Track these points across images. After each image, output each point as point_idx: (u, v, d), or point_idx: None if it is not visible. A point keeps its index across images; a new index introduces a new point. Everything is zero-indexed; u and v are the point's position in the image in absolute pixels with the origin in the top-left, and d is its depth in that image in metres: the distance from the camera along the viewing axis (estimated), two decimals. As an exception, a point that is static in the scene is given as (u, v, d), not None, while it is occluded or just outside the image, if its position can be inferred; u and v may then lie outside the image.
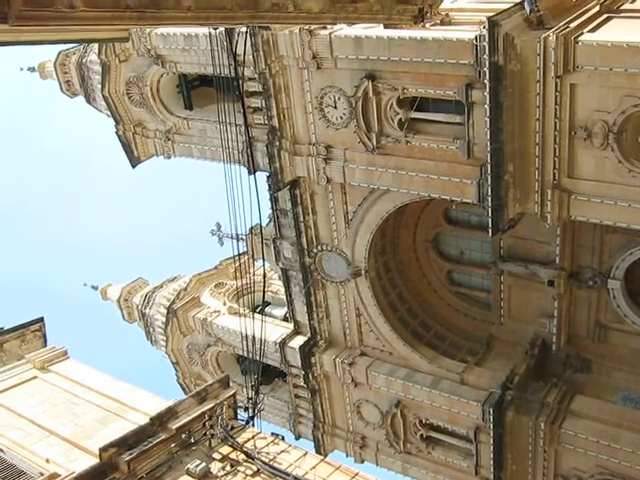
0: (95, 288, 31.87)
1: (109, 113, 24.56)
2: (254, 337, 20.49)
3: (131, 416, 11.97)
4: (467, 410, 20.96)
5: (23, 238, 72.61)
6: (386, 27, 17.72)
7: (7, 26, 4.19)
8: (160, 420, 10.95)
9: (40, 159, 74.80)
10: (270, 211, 23.19)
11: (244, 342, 21.69)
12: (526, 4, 15.67)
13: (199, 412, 11.20)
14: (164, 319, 27.83)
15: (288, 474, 10.41)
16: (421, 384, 21.83)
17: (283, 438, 11.48)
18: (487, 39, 15.96)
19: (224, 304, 27.41)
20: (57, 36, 6.17)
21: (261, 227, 23.68)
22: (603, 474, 19.24)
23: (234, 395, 11.79)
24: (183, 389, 28.98)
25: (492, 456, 20.74)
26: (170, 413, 11.15)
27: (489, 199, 17.54)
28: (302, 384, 24.76)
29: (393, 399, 22.63)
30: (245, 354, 25.52)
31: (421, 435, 22.67)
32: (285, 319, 26.10)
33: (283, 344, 24.30)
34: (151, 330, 29.09)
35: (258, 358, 19.45)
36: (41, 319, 14.59)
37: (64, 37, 6.35)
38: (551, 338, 21.59)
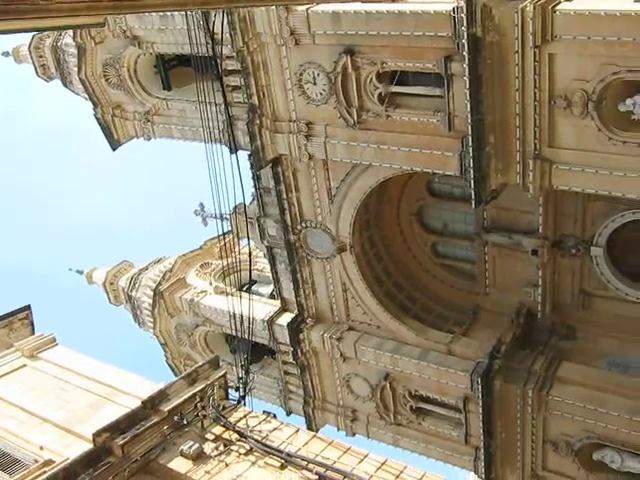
0: (80, 272, 31.80)
1: (87, 96, 24.32)
2: (242, 316, 20.56)
3: (122, 400, 12.03)
4: (455, 380, 21.18)
5: (5, 224, 72.04)
6: (363, 1, 17.62)
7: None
8: (152, 403, 11.01)
9: (18, 143, 74.03)
10: (253, 190, 23.15)
11: (232, 321, 21.77)
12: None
13: (190, 394, 11.28)
14: (151, 301, 27.81)
15: (281, 451, 10.53)
16: (409, 356, 22.00)
17: (275, 416, 11.59)
18: (465, 11, 15.93)
19: (210, 284, 27.42)
20: (32, 24, 6.09)
21: (245, 206, 23.67)
22: (590, 438, 19.53)
23: (224, 375, 11.87)
24: (172, 370, 29.07)
25: (481, 425, 20.98)
26: (161, 396, 11.21)
27: (471, 171, 17.58)
28: (291, 361, 24.92)
29: (382, 372, 22.81)
30: (234, 333, 25.69)
31: (411, 406, 22.89)
32: (272, 297, 26.17)
33: (271, 322, 24.39)
34: (138, 312, 29.08)
35: (247, 337, 19.52)
36: (28, 307, 14.57)
37: (39, 25, 6.26)
38: (536, 307, 21.79)
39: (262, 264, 28.33)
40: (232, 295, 25.95)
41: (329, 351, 23.53)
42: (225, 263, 28.91)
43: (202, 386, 11.43)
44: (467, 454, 22.34)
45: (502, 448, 21.22)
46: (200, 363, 11.97)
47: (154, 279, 28.15)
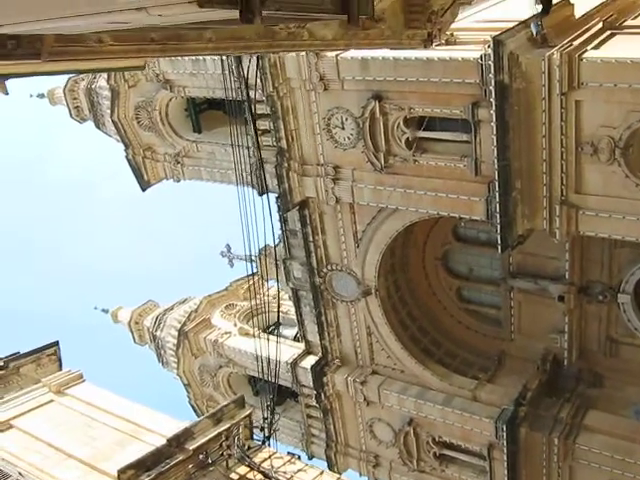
0: (106, 311, 32.04)
1: (118, 138, 24.83)
2: (268, 358, 20.59)
3: (147, 438, 12.07)
4: (480, 427, 20.95)
5: (35, 267, 73.05)
6: (391, 48, 17.94)
7: (40, 61, 4.39)
8: (177, 441, 11.05)
9: (48, 187, 75.51)
10: (280, 232, 23.34)
11: (258, 363, 21.80)
12: (532, 26, 15.88)
13: (215, 432, 11.30)
14: (175, 341, 27.93)
15: (305, 493, 10.49)
16: (433, 402, 21.83)
17: (299, 457, 11.56)
18: (492, 58, 16.17)
19: (235, 325, 27.50)
20: (77, 66, 6.35)
21: (272, 248, 23.89)
22: (618, 489, 19.20)
23: (250, 415, 11.89)
24: (195, 411, 29.02)
25: (506, 473, 20.68)
26: (187, 434, 11.25)
27: (497, 216, 17.66)
28: (314, 404, 24.80)
29: (405, 417, 22.63)
30: (258, 375, 25.67)
31: (434, 453, 22.64)
32: (296, 339, 26.18)
33: (295, 364, 24.36)
34: (162, 352, 29.18)
35: (272, 379, 19.50)
36: (56, 343, 14.74)
37: (83, 67, 6.54)
38: (562, 353, 21.59)
39: (287, 306, 28.39)
40: (257, 337, 26.09)
41: (352, 395, 23.41)
42: (250, 305, 29.06)
43: (227, 425, 11.45)
44: (491, 503, 21.96)
45: (527, 497, 20.87)
46: (226, 402, 12.00)
47: (179, 319, 28.30)
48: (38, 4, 3.40)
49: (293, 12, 3.79)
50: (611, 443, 19.26)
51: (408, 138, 18.81)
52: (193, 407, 29.06)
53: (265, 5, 3.56)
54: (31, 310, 65.53)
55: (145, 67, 6.87)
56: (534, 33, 15.97)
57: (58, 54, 4.53)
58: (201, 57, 21.12)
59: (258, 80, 19.01)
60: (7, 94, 6.12)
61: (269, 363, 20.62)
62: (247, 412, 11.85)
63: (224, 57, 18.56)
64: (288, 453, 11.65)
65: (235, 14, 3.52)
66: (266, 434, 12.20)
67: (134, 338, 30.98)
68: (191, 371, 28.36)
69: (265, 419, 13.63)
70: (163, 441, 11.57)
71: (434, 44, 7.02)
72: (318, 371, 23.73)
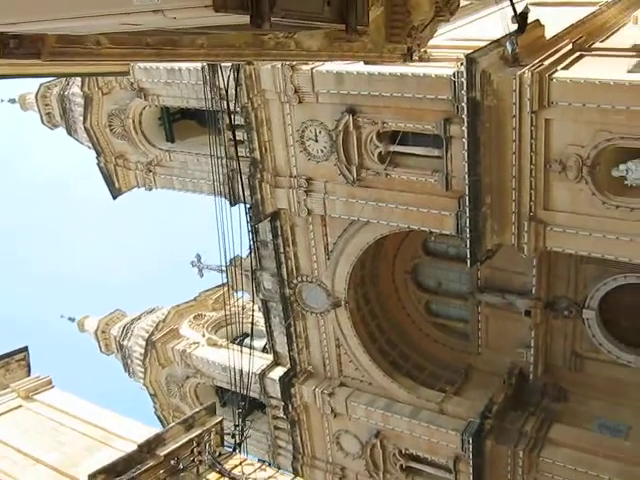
0: (72, 320, 31.80)
1: (90, 145, 24.75)
2: (236, 369, 20.58)
3: (117, 444, 11.99)
4: (446, 440, 21.14)
5: (3, 271, 72.09)
6: (366, 63, 18.18)
7: (39, 61, 4.47)
8: (148, 447, 11.00)
9: (16, 190, 74.71)
10: (251, 243, 23.40)
11: (226, 374, 21.74)
12: (508, 44, 16.22)
13: (187, 439, 11.27)
14: (142, 350, 27.78)
15: (276, 499, 10.53)
16: (400, 414, 21.99)
17: (270, 464, 11.60)
18: (465, 75, 16.49)
19: (203, 335, 27.46)
20: (61, 69, 6.43)
21: (241, 259, 23.94)
22: (581, 502, 19.48)
23: (221, 422, 11.89)
24: (161, 421, 28.84)
25: (471, 485, 20.89)
26: (158, 440, 11.20)
27: (467, 230, 17.93)
28: (281, 415, 24.82)
29: (373, 429, 22.76)
30: (225, 386, 25.64)
31: (401, 465, 22.78)
32: (264, 350, 26.19)
33: (263, 375, 24.37)
34: (129, 362, 28.99)
35: (241, 390, 19.51)
36: (25, 348, 14.57)
37: (67, 71, 6.62)
38: (528, 368, 21.93)
39: (256, 317, 28.41)
40: (226, 347, 26.06)
41: (320, 406, 23.48)
42: (219, 315, 29.04)
43: (199, 432, 11.44)
44: (456, 516, 22.12)
45: (492, 510, 21.06)
46: (197, 409, 12.00)
47: (147, 329, 28.17)
48: (57, 3, 3.49)
49: (297, 20, 3.95)
50: (575, 456, 19.58)
51: (381, 152, 19.04)
52: (159, 417, 28.89)
53: (273, 12, 3.70)
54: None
55: (129, 72, 6.94)
56: (509, 51, 16.32)
57: (58, 55, 4.61)
58: (176, 67, 21.19)
59: (233, 91, 19.11)
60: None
61: (238, 374, 20.60)
62: (218, 419, 11.86)
63: (202, 67, 18.66)
64: (259, 460, 11.70)
65: (246, 19, 3.66)
66: (237, 441, 12.26)
67: (100, 347, 30.76)
68: (158, 381, 28.22)
69: (237, 426, 13.66)
70: (133, 447, 11.49)
71: (413, 59, 7.22)
72: (286, 382, 23.77)
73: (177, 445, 11.19)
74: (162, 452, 11.05)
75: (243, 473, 10.97)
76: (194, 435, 11.38)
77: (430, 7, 6.73)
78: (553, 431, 20.41)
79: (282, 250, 22.21)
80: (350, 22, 4.30)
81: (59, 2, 3.53)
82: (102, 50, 4.76)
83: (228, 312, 27.56)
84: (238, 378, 21.06)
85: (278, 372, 24.18)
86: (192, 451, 11.18)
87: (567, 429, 20.50)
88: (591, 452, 19.52)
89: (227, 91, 16.30)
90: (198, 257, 28.54)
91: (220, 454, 11.46)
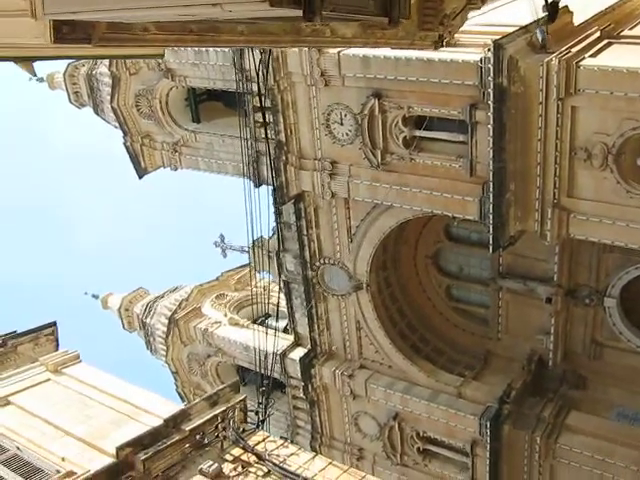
0: (96, 297, 32.21)
1: (117, 124, 25.01)
2: (258, 349, 20.88)
3: (143, 418, 12.32)
4: (464, 423, 21.31)
5: (31, 241, 73.19)
6: (393, 48, 18.23)
7: (90, 46, 4.66)
8: (174, 422, 11.32)
9: (46, 163, 75.63)
10: (274, 224, 23.61)
11: (250, 353, 22.05)
12: (538, 32, 16.22)
13: (211, 415, 11.58)
14: (165, 329, 28.17)
15: (298, 475, 10.78)
16: (419, 397, 22.17)
17: (292, 441, 11.86)
18: (492, 61, 16.51)
19: (225, 315, 27.76)
20: (101, 52, 6.61)
21: (264, 240, 24.15)
22: (597, 488, 19.61)
23: (244, 399, 12.18)
24: (182, 398, 29.25)
25: (488, 469, 21.06)
26: (183, 415, 11.52)
27: (490, 216, 17.99)
28: (301, 396, 25.10)
29: (391, 412, 22.97)
30: (246, 365, 25.99)
31: (418, 448, 22.98)
32: (285, 331, 26.45)
33: (283, 355, 24.64)
34: (151, 339, 29.40)
35: (265, 368, 19.80)
36: (54, 323, 14.97)
37: (109, 53, 6.80)
38: (548, 354, 21.99)
39: (277, 299, 28.66)
40: (249, 328, 26.41)
41: (339, 388, 23.71)
42: (240, 295, 29.35)
43: (223, 408, 11.73)
44: (472, 499, 22.35)
45: (508, 494, 21.27)
46: (221, 386, 12.29)
47: (169, 307, 28.53)
48: None
49: (344, 13, 4.11)
50: (592, 444, 19.65)
51: (406, 137, 19.11)
52: (180, 395, 29.30)
53: (324, 6, 3.87)
54: (28, 284, 65.79)
55: (164, 55, 7.15)
56: (539, 39, 16.32)
57: (107, 40, 4.79)
58: (204, 48, 21.33)
59: (261, 74, 19.24)
60: (35, 75, 6.36)
61: (260, 354, 20.89)
62: (242, 396, 12.14)
63: (232, 50, 18.79)
64: (280, 437, 11.97)
65: (299, 12, 3.82)
66: (260, 418, 12.52)
67: (123, 324, 31.17)
68: (179, 359, 28.60)
69: (260, 403, 13.94)
70: (158, 422, 11.82)
71: (445, 46, 7.35)
72: (306, 363, 24.03)
73: (202, 420, 11.51)
74: (187, 427, 11.37)
75: (266, 449, 11.25)
76: (219, 411, 11.69)
77: (463, -5, 6.85)
78: (571, 418, 20.50)
79: (305, 232, 22.40)
80: (393, 15, 4.46)
81: None
82: (148, 36, 4.94)
83: (251, 293, 27.91)
84: (260, 358, 21.38)
85: (299, 353, 24.44)
86: (216, 427, 11.49)
87: (585, 416, 20.58)
88: (609, 440, 19.59)
89: (258, 74, 16.45)
90: (222, 237, 28.83)
91: (244, 430, 11.76)
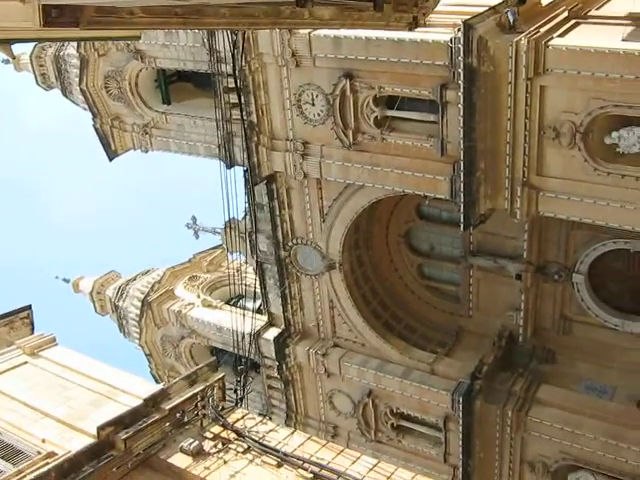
0: (67, 281, 32.05)
1: (86, 106, 24.78)
2: (233, 329, 21.01)
3: (122, 398, 12.41)
4: (437, 399, 21.69)
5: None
6: (379, 29, 18.32)
7: (77, 29, 4.71)
8: (154, 401, 11.44)
9: (17, 141, 74.60)
10: (246, 205, 23.65)
11: (224, 334, 22.17)
12: (509, 14, 16.45)
13: (190, 394, 11.72)
14: (138, 311, 28.15)
15: (277, 450, 10.98)
16: (392, 374, 22.48)
17: (270, 418, 12.05)
18: (462, 41, 16.67)
19: (198, 297, 27.81)
20: (78, 34, 6.64)
21: (237, 221, 24.19)
22: (567, 459, 20.10)
23: (223, 378, 12.33)
24: (156, 380, 29.27)
25: (461, 444, 21.47)
26: (163, 395, 11.64)
27: (461, 195, 18.24)
28: (275, 375, 25.29)
29: (365, 389, 23.27)
30: (220, 346, 26.11)
31: (392, 424, 23.33)
32: (259, 311, 26.57)
33: (257, 336, 24.79)
34: (124, 322, 29.37)
35: (241, 348, 19.95)
36: (29, 307, 14.94)
37: (84, 35, 6.83)
38: (518, 330, 22.41)
39: (250, 279, 28.77)
40: (220, 309, 26.48)
41: (314, 367, 23.94)
42: (213, 277, 29.39)
43: (202, 387, 11.88)
44: (446, 473, 22.77)
45: (480, 468, 21.69)
46: (200, 365, 12.43)
47: (142, 290, 28.50)
48: None
49: None
50: (562, 416, 20.12)
51: (377, 117, 19.25)
52: (154, 377, 29.34)
53: None
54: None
55: (140, 37, 7.20)
56: (511, 20, 16.55)
57: (94, 23, 4.84)
58: (174, 30, 21.21)
59: (233, 54, 19.22)
60: (14, 58, 6.38)
61: (235, 334, 21.03)
62: (220, 375, 12.29)
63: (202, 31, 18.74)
64: (259, 414, 12.15)
65: None
66: (239, 396, 12.67)
67: (95, 308, 31.08)
68: (153, 341, 28.63)
69: (238, 381, 14.10)
70: (137, 402, 11.93)
71: (418, 27, 7.48)
72: (281, 343, 24.21)
73: (181, 399, 11.65)
74: (167, 406, 11.51)
75: (245, 426, 11.42)
76: (198, 390, 11.84)
77: (436, -23, 6.98)
78: (541, 392, 20.95)
79: (278, 213, 22.50)
80: (378, 0, 4.59)
81: None
82: (134, 19, 5.00)
83: (225, 274, 27.99)
84: (234, 338, 21.51)
85: (272, 333, 24.59)
86: (196, 405, 11.64)
87: (555, 390, 21.05)
88: (578, 412, 20.08)
89: (233, 55, 16.45)
90: (194, 219, 28.80)
91: (223, 408, 11.91)
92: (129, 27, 5.20)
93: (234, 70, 17.73)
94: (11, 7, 4.24)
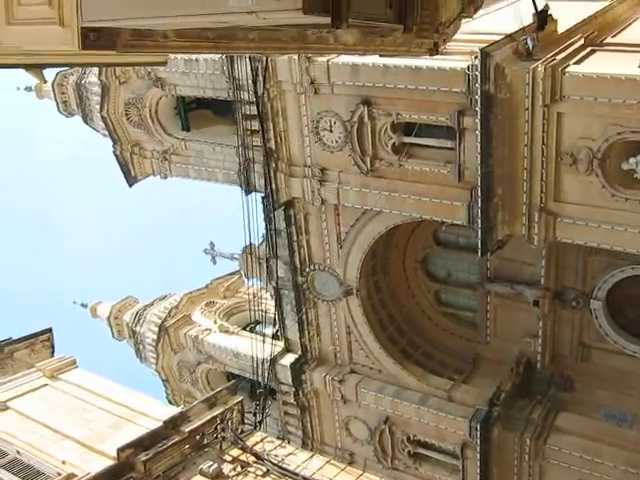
0: (85, 306, 32.25)
1: (107, 133, 25.13)
2: (251, 355, 21.04)
3: (141, 421, 12.48)
4: (454, 426, 21.56)
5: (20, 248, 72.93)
6: (381, 56, 18.53)
7: (113, 52, 4.88)
8: (173, 423, 11.49)
9: (37, 170, 75.59)
10: (264, 231, 23.79)
11: (240, 360, 22.18)
12: (529, 40, 16.61)
13: (210, 416, 11.76)
14: (155, 336, 28.26)
15: (297, 474, 10.97)
16: (409, 401, 22.41)
17: (289, 441, 12.06)
18: (479, 69, 16.83)
19: (215, 322, 27.89)
20: (107, 59, 6.83)
21: (254, 247, 24.34)
22: (586, 488, 19.91)
23: (242, 401, 12.37)
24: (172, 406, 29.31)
25: (478, 471, 21.30)
26: (182, 417, 11.70)
27: (479, 221, 18.29)
28: (292, 401, 25.25)
29: (382, 416, 23.18)
30: (236, 372, 26.13)
31: (408, 451, 23.20)
32: (276, 337, 26.60)
33: (274, 362, 24.79)
34: (141, 347, 29.47)
35: (258, 374, 19.97)
36: (49, 330, 15.09)
37: (112, 60, 7.01)
38: (536, 357, 22.31)
39: (267, 305, 28.84)
40: (237, 334, 26.54)
41: (330, 393, 23.90)
42: (230, 303, 29.51)
43: (221, 410, 11.91)
44: (463, 501, 22.57)
45: (498, 496, 21.51)
46: (219, 388, 12.48)
47: (159, 315, 28.64)
48: (160, 4, 3.87)
49: (365, 20, 4.37)
50: (581, 444, 19.97)
51: (395, 143, 19.40)
52: (170, 402, 29.31)
53: (349, 14, 4.13)
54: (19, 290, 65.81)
55: (167, 63, 7.35)
56: (530, 47, 16.71)
57: (130, 47, 5.01)
58: (194, 57, 21.56)
59: (253, 81, 19.50)
60: (45, 81, 6.56)
61: (253, 360, 21.05)
62: (239, 398, 12.33)
63: (220, 57, 19.03)
64: (278, 437, 12.16)
65: (327, 20, 4.07)
66: (258, 419, 12.69)
67: (113, 333, 31.23)
68: (170, 367, 28.69)
69: (257, 404, 14.13)
70: (157, 424, 11.99)
71: (439, 53, 7.60)
72: (297, 369, 24.20)
73: (201, 422, 11.69)
74: (187, 428, 11.55)
75: (264, 449, 11.43)
76: (217, 413, 11.87)
77: (457, 4, 7.12)
78: (560, 419, 20.80)
79: (295, 238, 22.62)
80: (407, 23, 4.74)
81: (164, 2, 3.90)
82: (168, 43, 5.16)
83: (240, 300, 28.09)
84: (253, 364, 21.53)
85: (289, 359, 24.60)
86: (215, 428, 11.67)
87: (573, 417, 20.88)
88: (597, 440, 19.91)
89: (255, 81, 16.69)
90: (212, 245, 28.99)
91: (242, 431, 11.94)
92: (162, 50, 5.35)
93: (256, 96, 17.96)
94: (51, 31, 4.41)
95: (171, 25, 4.65)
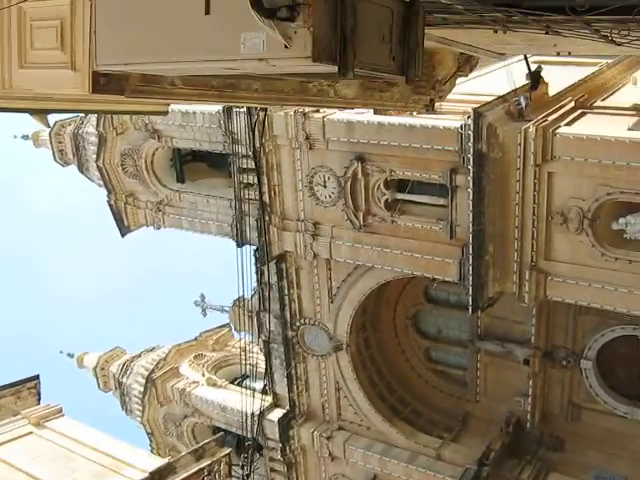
0: (71, 356, 31.90)
1: (102, 183, 25.30)
2: (240, 410, 20.83)
3: (127, 472, 12.27)
4: (443, 486, 21.27)
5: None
6: (376, 113, 18.90)
7: (122, 97, 5.01)
8: (160, 475, 11.31)
9: (28, 219, 75.68)
10: (255, 284, 23.79)
11: (227, 414, 21.91)
12: (522, 99, 17.00)
13: (197, 468, 11.60)
14: (142, 388, 27.93)
15: (284, 529, 10.79)
16: (398, 459, 22.14)
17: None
18: (472, 128, 17.16)
19: (203, 375, 27.65)
20: (111, 107, 6.97)
21: (245, 300, 24.28)
22: None
23: (229, 453, 12.21)
24: (157, 460, 28.82)
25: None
26: (169, 468, 11.52)
27: (470, 278, 18.38)
28: (278, 457, 24.88)
29: (369, 474, 22.87)
30: (223, 426, 25.79)
31: (396, 510, 22.82)
32: (264, 391, 26.36)
33: (262, 416, 24.51)
34: (127, 399, 29.10)
35: (246, 429, 19.75)
36: (37, 377, 14.93)
37: (115, 109, 7.15)
38: (525, 416, 22.15)
39: (255, 359, 28.64)
40: (224, 388, 26.30)
41: (318, 449, 23.60)
42: (218, 356, 29.30)
43: (208, 462, 11.76)
44: None
45: None
46: (207, 440, 12.33)
47: (147, 367, 28.35)
48: (174, 48, 3.99)
49: (369, 70, 4.53)
50: (570, 506, 19.73)
51: (387, 199, 19.61)
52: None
53: (356, 63, 4.28)
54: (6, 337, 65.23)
55: (168, 113, 7.52)
56: (524, 106, 17.09)
57: (138, 92, 5.14)
58: (191, 110, 21.88)
59: (249, 136, 19.76)
60: (49, 127, 6.69)
61: (241, 415, 20.83)
62: (227, 450, 12.17)
63: (217, 111, 19.33)
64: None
65: (334, 68, 4.22)
66: (246, 472, 12.51)
67: (99, 384, 30.82)
68: (155, 419, 28.30)
69: (245, 457, 13.95)
70: (143, 475, 11.80)
71: (435, 109, 7.81)
72: (285, 424, 23.93)
73: (188, 474, 11.51)
74: (173, 480, 11.35)
75: (251, 503, 11.26)
76: (204, 465, 11.69)
77: (453, 63, 7.34)
78: (549, 480, 20.60)
79: (286, 292, 22.64)
80: (409, 74, 4.91)
81: (177, 47, 4.03)
82: (175, 90, 5.29)
83: (229, 353, 27.91)
84: (240, 418, 21.28)
85: (277, 414, 24.34)
86: (202, 480, 11.49)
87: (563, 479, 20.68)
88: (587, 502, 19.70)
89: (254, 134, 16.93)
90: (202, 297, 28.91)
91: (229, 484, 11.76)
92: (169, 97, 5.48)
93: (253, 149, 18.19)
94: (62, 75, 4.53)
95: (182, 71, 4.78)
